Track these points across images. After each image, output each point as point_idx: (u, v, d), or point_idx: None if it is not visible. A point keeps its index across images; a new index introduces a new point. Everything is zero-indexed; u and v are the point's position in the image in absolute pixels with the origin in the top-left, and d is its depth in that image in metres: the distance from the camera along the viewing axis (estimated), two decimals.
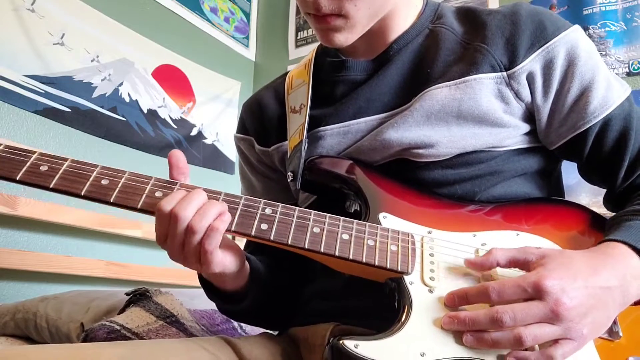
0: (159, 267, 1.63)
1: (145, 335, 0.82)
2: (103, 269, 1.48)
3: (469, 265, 0.53)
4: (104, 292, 1.13)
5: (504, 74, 0.61)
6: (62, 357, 0.50)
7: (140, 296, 0.92)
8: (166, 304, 0.91)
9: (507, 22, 0.63)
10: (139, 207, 0.52)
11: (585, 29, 1.66)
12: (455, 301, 0.51)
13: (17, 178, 0.51)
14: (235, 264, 0.57)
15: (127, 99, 1.74)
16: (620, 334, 0.53)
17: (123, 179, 0.53)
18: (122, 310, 0.91)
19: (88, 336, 0.82)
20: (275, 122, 0.74)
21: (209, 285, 0.63)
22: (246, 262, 0.61)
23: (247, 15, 2.39)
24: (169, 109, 1.89)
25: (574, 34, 0.62)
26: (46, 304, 1.06)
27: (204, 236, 0.50)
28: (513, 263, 0.52)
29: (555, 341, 0.47)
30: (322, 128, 0.68)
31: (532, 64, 0.61)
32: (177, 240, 0.51)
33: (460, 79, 0.61)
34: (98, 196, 0.51)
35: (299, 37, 2.27)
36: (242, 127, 0.78)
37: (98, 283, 1.51)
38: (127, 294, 0.94)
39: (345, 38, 0.62)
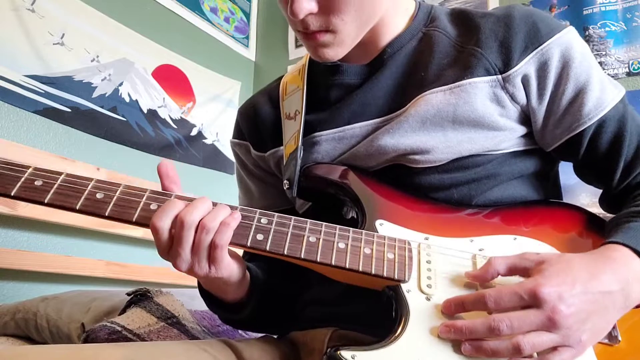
0: (159, 267, 1.63)
1: (146, 337, 0.82)
2: (103, 269, 1.48)
3: (470, 279, 0.53)
4: (105, 292, 1.13)
5: (499, 77, 0.61)
6: (61, 357, 0.50)
7: (141, 297, 0.92)
8: (167, 304, 0.91)
9: (500, 24, 0.62)
10: (134, 220, 0.52)
11: (585, 29, 1.66)
12: (452, 309, 0.51)
13: (12, 194, 0.51)
14: (240, 271, 0.57)
15: (127, 99, 1.74)
16: (620, 339, 0.53)
17: (118, 193, 0.53)
18: (123, 311, 0.91)
19: (89, 337, 0.82)
20: (270, 127, 0.74)
21: (210, 296, 0.63)
22: (246, 271, 0.61)
23: (247, 15, 2.39)
24: (169, 109, 1.90)
25: (568, 35, 0.62)
26: (46, 304, 1.06)
27: (215, 233, 0.51)
28: (513, 270, 0.51)
29: (554, 348, 0.47)
30: (317, 133, 0.68)
31: (526, 66, 0.61)
32: (184, 245, 0.50)
33: (455, 84, 0.61)
34: (93, 210, 0.52)
35: None
36: (238, 133, 0.78)
37: (98, 283, 1.51)
38: (128, 294, 0.94)
39: (335, 53, 0.62)
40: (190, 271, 0.53)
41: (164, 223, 0.50)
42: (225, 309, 0.64)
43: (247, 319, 0.65)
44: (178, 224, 0.50)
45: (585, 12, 1.68)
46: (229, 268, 0.54)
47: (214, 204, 0.53)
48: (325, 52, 0.61)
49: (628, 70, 1.60)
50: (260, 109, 0.76)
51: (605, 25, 1.64)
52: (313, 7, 0.57)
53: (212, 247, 0.51)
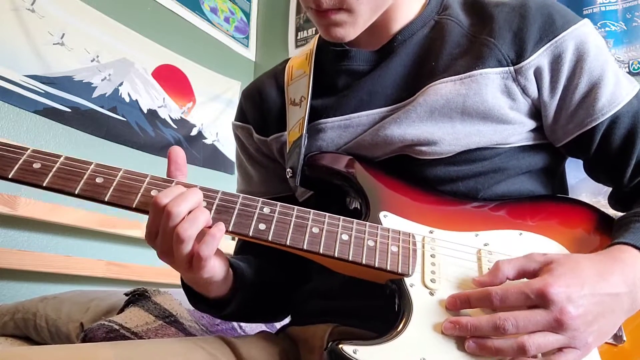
0: (159, 267, 1.63)
1: (144, 335, 0.81)
2: (103, 269, 1.47)
3: (478, 285, 0.51)
4: (104, 292, 1.13)
5: (511, 68, 0.60)
6: (59, 357, 0.49)
7: (139, 296, 0.92)
8: (165, 303, 0.91)
9: (515, 15, 0.61)
10: (134, 206, 0.50)
11: None
12: (457, 305, 0.50)
13: (10, 176, 0.49)
14: (223, 271, 0.56)
15: (127, 99, 1.73)
16: (625, 339, 0.53)
17: (118, 177, 0.51)
18: (121, 310, 0.91)
19: (87, 336, 0.82)
20: (275, 112, 0.72)
21: (191, 291, 0.61)
22: (229, 269, 0.59)
23: (247, 15, 2.39)
24: (169, 109, 1.89)
25: (584, 28, 0.61)
26: (46, 304, 1.06)
27: (201, 243, 0.49)
28: (522, 274, 0.50)
29: (559, 349, 0.46)
30: (322, 120, 0.66)
31: (540, 58, 0.59)
32: (168, 237, 0.49)
33: (466, 74, 0.60)
34: (92, 195, 0.50)
35: (299, 37, 2.27)
36: (241, 115, 0.77)
37: (98, 283, 1.51)
38: (126, 294, 0.93)
39: (347, 32, 0.60)
40: (172, 265, 0.52)
41: (163, 201, 0.49)
42: (208, 305, 0.63)
43: (230, 314, 0.63)
44: (165, 212, 0.48)
45: (585, 12, 1.68)
46: (211, 270, 0.52)
47: (210, 199, 0.52)
48: (337, 31, 0.60)
49: (628, 70, 1.60)
50: (265, 92, 0.74)
51: (605, 25, 1.64)
52: None
53: (196, 257, 0.49)
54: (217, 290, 0.59)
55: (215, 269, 0.53)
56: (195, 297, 0.62)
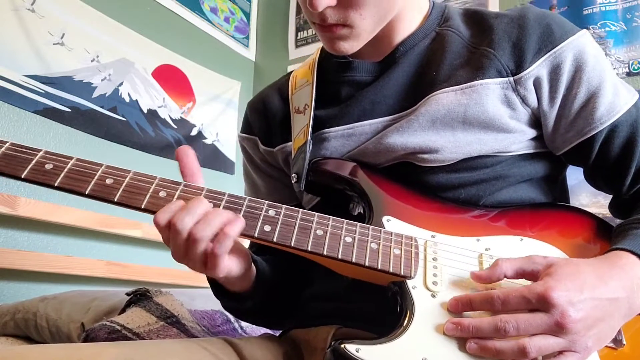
0: (159, 267, 1.63)
1: (146, 336, 0.82)
2: (103, 269, 1.48)
3: (475, 279, 0.52)
4: (104, 292, 1.13)
5: (511, 79, 0.61)
6: (61, 357, 0.49)
7: (140, 296, 0.92)
8: (167, 304, 0.91)
9: (514, 26, 0.62)
10: (142, 207, 0.52)
11: (586, 29, 1.66)
12: (459, 307, 0.51)
13: (23, 176, 0.51)
14: (241, 268, 0.57)
15: (127, 99, 1.73)
16: (624, 343, 0.53)
17: (127, 179, 0.53)
18: (123, 311, 0.91)
19: (89, 336, 0.82)
20: (280, 122, 0.73)
21: (215, 283, 0.63)
22: (252, 265, 0.61)
23: (247, 15, 2.39)
24: (169, 109, 1.89)
25: (582, 38, 0.62)
26: (46, 304, 1.06)
27: (213, 242, 0.50)
28: (520, 274, 0.51)
29: (560, 352, 0.47)
30: (326, 130, 0.67)
31: (539, 69, 0.60)
32: (179, 247, 0.51)
33: (467, 84, 0.61)
34: (102, 195, 0.52)
35: (299, 37, 2.27)
36: (247, 127, 0.78)
37: (98, 283, 1.51)
38: (128, 294, 0.94)
39: (350, 46, 0.62)
40: (186, 265, 0.53)
41: (162, 220, 0.50)
42: (229, 298, 0.64)
43: (250, 310, 0.65)
44: (171, 229, 0.50)
45: (585, 12, 1.68)
46: (226, 269, 0.54)
47: (217, 201, 0.53)
48: (340, 45, 0.61)
49: (628, 70, 1.60)
50: (269, 103, 0.76)
51: (605, 25, 1.64)
52: (332, 0, 0.57)
53: (210, 255, 0.50)
54: (238, 284, 0.60)
55: (230, 267, 0.55)
56: (218, 289, 0.63)
